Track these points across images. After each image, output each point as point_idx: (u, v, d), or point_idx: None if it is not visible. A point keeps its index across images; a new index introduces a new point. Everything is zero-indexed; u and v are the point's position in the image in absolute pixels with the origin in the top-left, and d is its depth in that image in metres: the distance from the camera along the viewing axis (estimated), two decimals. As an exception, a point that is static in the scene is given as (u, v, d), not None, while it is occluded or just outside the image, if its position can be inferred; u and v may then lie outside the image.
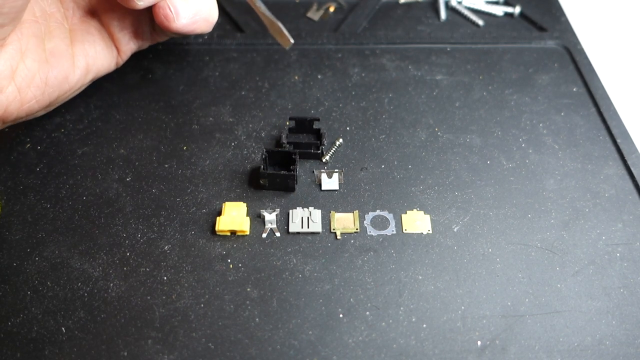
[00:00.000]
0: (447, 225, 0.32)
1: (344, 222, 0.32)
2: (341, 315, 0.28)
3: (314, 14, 0.47)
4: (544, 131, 0.38)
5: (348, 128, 0.38)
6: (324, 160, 0.35)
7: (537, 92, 0.41)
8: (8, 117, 0.32)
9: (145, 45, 0.39)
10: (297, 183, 0.34)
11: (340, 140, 0.36)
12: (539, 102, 0.40)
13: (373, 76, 0.42)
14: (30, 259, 0.30)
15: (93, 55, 0.35)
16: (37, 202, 0.33)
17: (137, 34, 0.37)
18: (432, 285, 0.30)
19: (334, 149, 0.36)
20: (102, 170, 0.35)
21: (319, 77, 0.42)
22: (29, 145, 0.36)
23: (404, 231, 0.32)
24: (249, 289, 0.29)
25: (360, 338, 0.28)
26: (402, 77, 0.42)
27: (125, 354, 0.27)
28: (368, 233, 0.32)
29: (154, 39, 0.39)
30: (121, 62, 0.38)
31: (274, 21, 0.30)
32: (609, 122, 0.38)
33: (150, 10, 0.35)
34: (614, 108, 0.39)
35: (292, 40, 0.30)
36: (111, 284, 0.29)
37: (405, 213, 0.33)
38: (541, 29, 0.47)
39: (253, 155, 0.36)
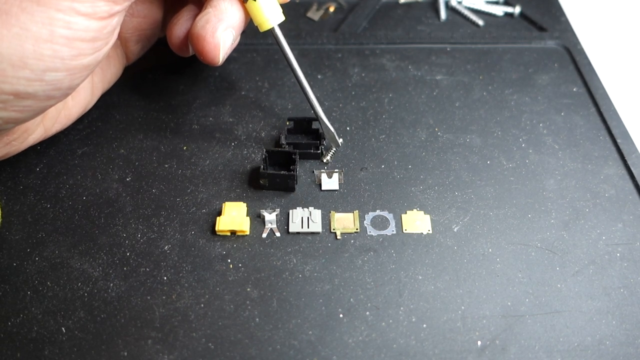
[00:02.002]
0: (447, 225, 0.32)
1: (344, 222, 0.32)
2: (341, 315, 0.28)
3: (314, 14, 0.47)
4: (544, 131, 0.38)
5: (348, 128, 0.38)
6: (324, 160, 0.35)
7: (537, 92, 0.41)
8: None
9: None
10: (297, 183, 0.34)
11: (340, 140, 0.36)
12: (539, 102, 0.40)
13: (373, 76, 0.42)
14: (30, 259, 0.30)
15: (109, 79, 0.36)
16: (37, 202, 0.33)
17: (149, 42, 0.38)
18: (432, 285, 0.30)
19: (333, 149, 0.36)
20: (102, 170, 0.35)
21: (319, 77, 0.42)
22: (29, 145, 0.36)
23: (404, 231, 0.32)
24: (249, 289, 0.29)
25: (360, 338, 0.28)
26: (402, 77, 0.42)
27: (125, 354, 0.27)
28: (368, 233, 0.32)
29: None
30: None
31: (330, 127, 0.35)
32: (609, 122, 0.38)
33: (164, 16, 0.36)
34: (614, 108, 0.39)
35: (340, 141, 0.36)
36: (111, 284, 0.29)
37: (405, 213, 0.33)
38: (541, 29, 0.46)
39: (253, 155, 0.36)
